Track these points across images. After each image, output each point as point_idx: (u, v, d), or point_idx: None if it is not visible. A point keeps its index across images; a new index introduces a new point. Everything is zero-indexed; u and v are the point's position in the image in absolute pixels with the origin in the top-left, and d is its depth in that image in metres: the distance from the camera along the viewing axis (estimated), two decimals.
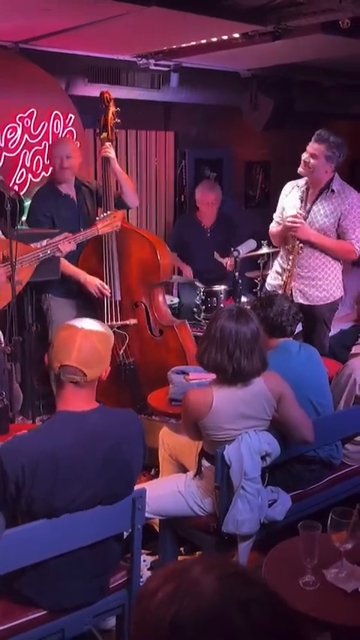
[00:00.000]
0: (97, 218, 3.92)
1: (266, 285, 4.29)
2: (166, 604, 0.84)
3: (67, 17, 3.60)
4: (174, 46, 4.56)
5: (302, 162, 3.94)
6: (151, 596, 0.86)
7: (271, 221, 4.23)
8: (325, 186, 3.97)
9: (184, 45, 4.50)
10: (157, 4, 3.27)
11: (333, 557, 2.05)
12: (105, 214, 3.88)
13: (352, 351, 3.27)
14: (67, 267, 4.01)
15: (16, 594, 2.09)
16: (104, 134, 4.20)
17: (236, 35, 4.16)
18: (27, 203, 4.30)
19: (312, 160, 3.89)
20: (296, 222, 3.91)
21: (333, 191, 3.94)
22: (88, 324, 2.16)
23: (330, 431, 2.96)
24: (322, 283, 4.03)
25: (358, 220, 3.93)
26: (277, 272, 4.15)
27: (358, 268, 5.91)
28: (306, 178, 4.02)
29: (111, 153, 4.17)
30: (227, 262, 4.80)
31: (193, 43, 4.42)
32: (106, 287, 4.06)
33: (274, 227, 4.17)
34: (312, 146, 3.91)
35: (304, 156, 3.93)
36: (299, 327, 3.95)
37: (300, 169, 3.97)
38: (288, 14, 3.74)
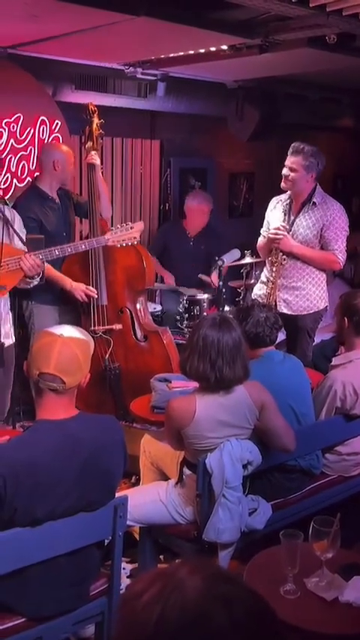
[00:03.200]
0: (111, 229, 3.79)
1: (252, 294, 4.33)
2: (152, 604, 0.84)
3: (56, 25, 3.61)
4: (162, 56, 4.59)
5: (283, 177, 4.00)
6: (137, 598, 0.86)
7: (255, 231, 4.28)
8: (307, 198, 4.02)
9: (171, 55, 4.53)
10: (146, 15, 3.29)
11: (314, 565, 2.06)
12: (120, 226, 3.71)
13: (333, 363, 3.29)
14: (53, 273, 4.00)
15: None
16: (89, 143, 4.26)
17: (224, 47, 4.19)
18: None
19: (292, 174, 3.97)
20: (279, 235, 3.98)
21: (315, 203, 4.00)
22: (68, 331, 2.14)
23: (311, 440, 2.98)
24: (305, 293, 4.07)
25: (340, 231, 3.99)
26: (263, 282, 4.20)
27: (340, 279, 5.98)
28: (289, 192, 4.07)
29: (96, 160, 4.23)
30: (211, 279, 4.81)
31: (181, 53, 4.45)
32: (91, 288, 4.06)
33: (261, 241, 4.22)
34: (289, 160, 3.98)
35: (284, 171, 4.01)
36: (282, 336, 3.98)
37: (282, 185, 4.05)
38: (275, 28, 3.78)
